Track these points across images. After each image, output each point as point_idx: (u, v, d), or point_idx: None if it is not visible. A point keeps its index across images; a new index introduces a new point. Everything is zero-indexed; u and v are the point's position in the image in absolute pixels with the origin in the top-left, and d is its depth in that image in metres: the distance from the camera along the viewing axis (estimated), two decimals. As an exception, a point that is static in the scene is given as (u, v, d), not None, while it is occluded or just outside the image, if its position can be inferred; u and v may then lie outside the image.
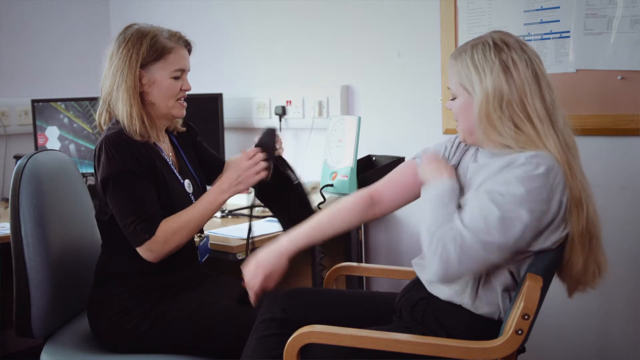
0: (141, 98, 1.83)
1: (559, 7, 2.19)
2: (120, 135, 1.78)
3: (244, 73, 3.06)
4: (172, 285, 1.86)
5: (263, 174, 1.84)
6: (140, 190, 1.76)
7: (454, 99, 1.58)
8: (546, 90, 1.50)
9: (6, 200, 2.86)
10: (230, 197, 1.85)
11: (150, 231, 1.75)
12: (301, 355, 1.49)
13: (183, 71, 1.87)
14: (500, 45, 1.51)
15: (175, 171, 1.90)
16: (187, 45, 1.90)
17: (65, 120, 2.87)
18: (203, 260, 2.00)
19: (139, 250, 1.76)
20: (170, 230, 1.77)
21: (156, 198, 1.79)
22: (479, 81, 1.50)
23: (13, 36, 3.05)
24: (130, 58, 1.80)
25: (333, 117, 2.59)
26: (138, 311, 1.79)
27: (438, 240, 1.41)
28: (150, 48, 1.81)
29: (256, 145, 1.87)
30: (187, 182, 1.92)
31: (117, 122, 1.82)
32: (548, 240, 1.46)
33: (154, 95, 1.84)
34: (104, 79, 1.85)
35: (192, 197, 1.90)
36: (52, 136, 2.87)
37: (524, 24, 2.25)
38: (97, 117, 1.89)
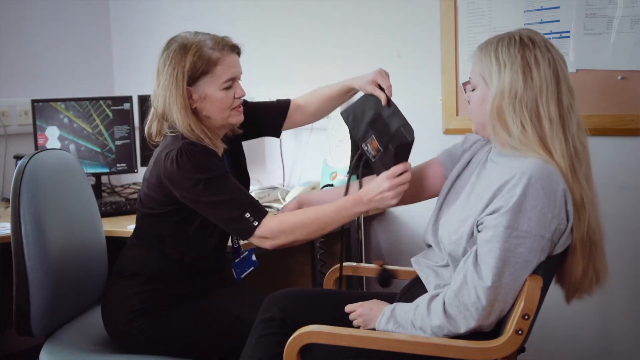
0: (196, 113, 1.76)
1: (559, 7, 2.19)
2: (197, 144, 1.72)
3: (244, 73, 3.04)
4: (193, 290, 1.85)
5: (399, 198, 1.66)
6: (235, 186, 1.71)
7: (473, 90, 1.57)
8: (565, 93, 1.48)
9: (6, 200, 2.86)
10: (365, 211, 1.71)
11: (260, 217, 1.67)
12: (301, 355, 1.49)
13: (234, 79, 1.79)
14: (526, 42, 1.49)
15: None
16: (235, 49, 1.80)
17: (65, 120, 2.87)
18: (245, 274, 1.98)
19: (253, 240, 1.69)
20: (280, 228, 1.67)
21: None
22: (497, 74, 1.48)
23: (13, 36, 3.05)
24: (177, 77, 1.71)
25: (333, 117, 2.58)
26: (152, 312, 1.79)
27: (458, 312, 1.41)
28: (194, 64, 1.71)
29: (396, 161, 1.65)
30: None
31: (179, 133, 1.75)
32: (560, 248, 1.45)
33: (208, 110, 1.76)
34: (156, 95, 1.77)
35: None
36: (52, 136, 2.87)
37: (524, 24, 2.24)
38: (146, 129, 1.82)
